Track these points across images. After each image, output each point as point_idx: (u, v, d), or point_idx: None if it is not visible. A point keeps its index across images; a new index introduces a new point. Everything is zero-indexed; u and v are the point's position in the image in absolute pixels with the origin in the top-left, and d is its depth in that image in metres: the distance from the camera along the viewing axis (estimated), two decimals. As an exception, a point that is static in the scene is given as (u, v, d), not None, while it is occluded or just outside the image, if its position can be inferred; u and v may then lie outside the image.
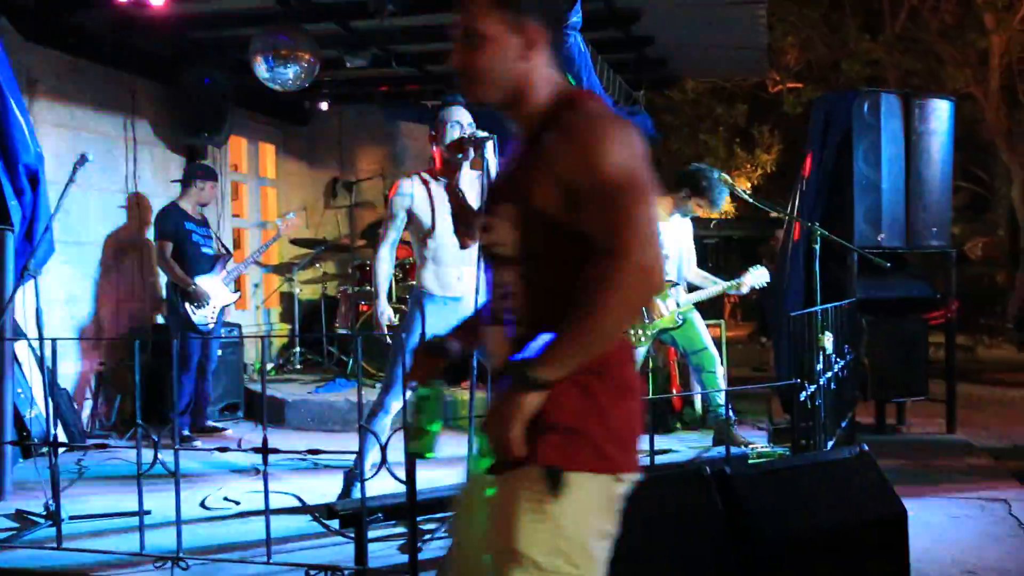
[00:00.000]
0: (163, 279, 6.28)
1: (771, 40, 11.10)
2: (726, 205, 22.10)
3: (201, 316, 5.88)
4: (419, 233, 4.04)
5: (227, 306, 6.15)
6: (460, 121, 4.02)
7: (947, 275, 6.30)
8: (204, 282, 5.92)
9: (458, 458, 4.34)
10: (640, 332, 5.17)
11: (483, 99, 1.75)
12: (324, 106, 8.25)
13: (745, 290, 5.29)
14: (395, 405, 3.94)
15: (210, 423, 6.14)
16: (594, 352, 1.58)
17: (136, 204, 6.71)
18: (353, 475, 3.91)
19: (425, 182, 4.05)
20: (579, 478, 1.60)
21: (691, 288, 5.29)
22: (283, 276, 8.19)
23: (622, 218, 1.59)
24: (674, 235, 5.28)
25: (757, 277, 5.29)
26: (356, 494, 3.45)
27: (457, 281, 3.99)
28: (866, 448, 3.14)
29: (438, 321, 3.91)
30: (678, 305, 5.15)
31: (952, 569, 3.35)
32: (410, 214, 4.02)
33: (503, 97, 1.74)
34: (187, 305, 5.85)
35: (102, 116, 6.47)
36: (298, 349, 7.96)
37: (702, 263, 5.77)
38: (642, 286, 1.59)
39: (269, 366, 7.84)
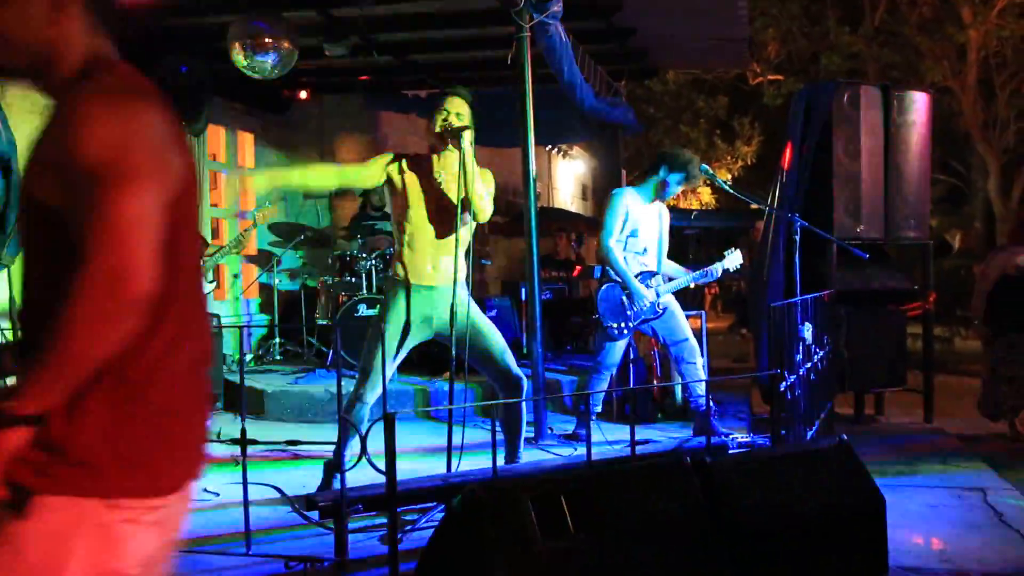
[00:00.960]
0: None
1: (752, 32, 11.14)
2: (707, 196, 22.20)
3: None
4: (395, 215, 3.98)
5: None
6: (449, 110, 3.98)
7: (925, 267, 6.35)
8: None
9: (439, 448, 4.35)
10: (623, 324, 5.18)
11: (4, 65, 1.54)
12: (304, 95, 8.19)
13: (716, 275, 5.29)
14: (373, 395, 3.92)
15: None
16: (75, 376, 1.34)
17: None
18: (332, 465, 3.90)
19: (412, 164, 3.99)
20: (54, 501, 1.38)
21: (667, 278, 5.31)
22: (262, 267, 8.14)
23: (96, 211, 1.34)
24: (653, 222, 5.29)
25: (731, 260, 5.31)
26: (337, 485, 3.43)
27: (430, 270, 3.94)
28: (845, 438, 3.16)
29: (414, 310, 3.90)
30: (658, 295, 5.16)
31: (931, 559, 3.38)
32: (388, 180, 3.95)
33: (27, 64, 1.53)
34: None
35: (77, 103, 6.38)
36: (277, 340, 7.91)
37: (683, 254, 5.79)
38: (110, 295, 1.32)
39: (248, 357, 7.78)
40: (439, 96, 4.11)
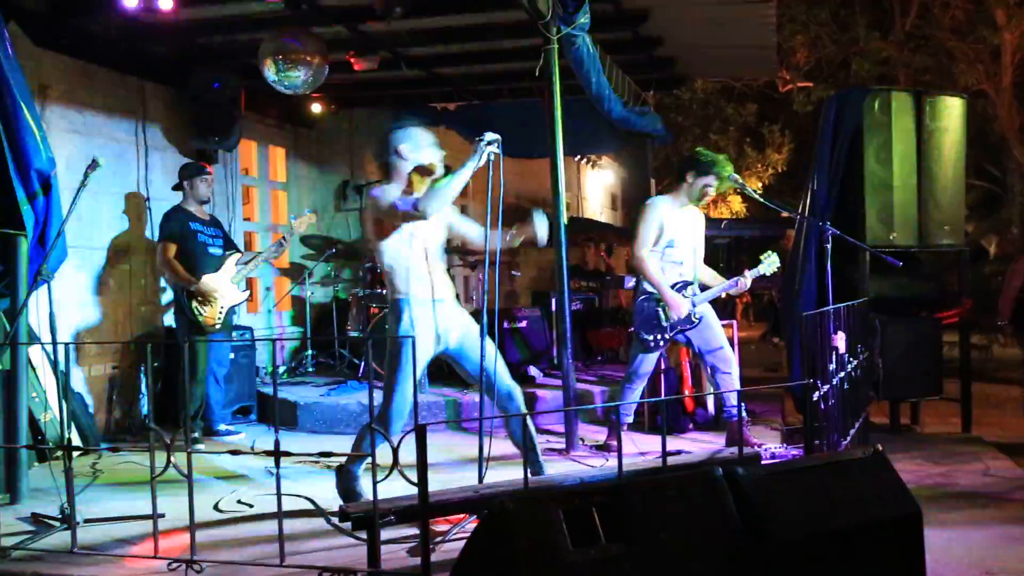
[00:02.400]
0: (168, 282, 6.29)
1: (780, 39, 11.08)
2: (737, 205, 22.05)
3: (207, 315, 5.83)
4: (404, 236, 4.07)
5: (236, 306, 6.08)
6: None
7: (960, 273, 6.26)
8: (210, 280, 5.89)
9: (470, 461, 4.36)
10: (659, 336, 5.15)
11: None
12: (334, 109, 8.27)
13: (746, 284, 5.22)
14: (399, 417, 3.96)
15: (220, 427, 6.10)
16: None
17: (147, 208, 6.74)
18: (345, 469, 4.05)
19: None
20: None
21: (702, 287, 5.27)
22: (294, 279, 8.22)
23: None
24: (690, 230, 5.26)
25: (768, 265, 5.23)
26: (369, 496, 3.44)
27: (437, 285, 4.08)
28: (880, 448, 3.12)
29: (429, 324, 4.00)
30: (694, 305, 5.13)
31: (971, 570, 3.32)
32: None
33: None
34: (193, 305, 5.81)
35: (113, 121, 6.51)
36: (310, 352, 7.97)
37: (713, 263, 5.75)
38: None
39: (281, 369, 7.86)
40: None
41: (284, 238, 6.07)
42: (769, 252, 5.26)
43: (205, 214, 6.11)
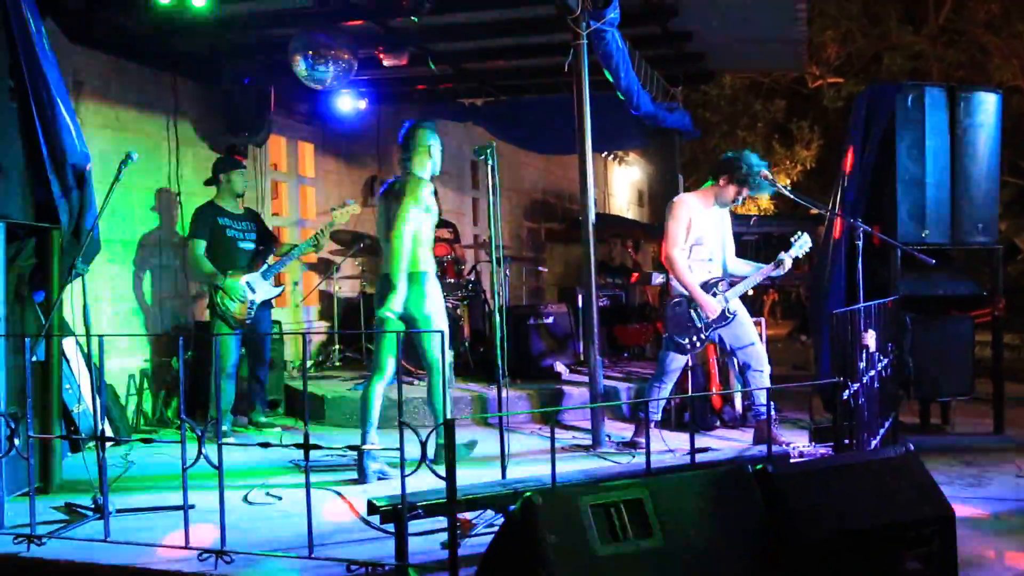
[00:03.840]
0: (196, 279, 6.35)
1: (810, 34, 10.96)
2: (765, 202, 21.91)
3: (236, 310, 5.87)
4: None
5: (267, 301, 6.09)
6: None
7: (994, 272, 6.17)
8: (239, 277, 5.92)
9: (494, 456, 4.37)
10: (695, 338, 5.13)
11: None
12: (362, 105, 8.31)
13: (787, 265, 5.16)
14: None
15: (262, 419, 6.18)
16: None
17: (179, 203, 6.81)
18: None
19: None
20: None
21: (733, 282, 5.24)
22: (322, 274, 8.27)
23: None
24: (717, 227, 5.23)
25: (800, 247, 5.16)
26: (397, 489, 3.46)
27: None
28: (912, 447, 3.09)
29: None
30: (726, 301, 5.10)
31: (1003, 573, 3.28)
32: None
33: None
34: (221, 300, 5.86)
35: (145, 117, 6.59)
36: (337, 346, 8.02)
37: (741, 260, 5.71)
38: None
39: (309, 363, 7.91)
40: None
41: (321, 231, 6.05)
42: (799, 232, 5.20)
43: (239, 208, 6.14)
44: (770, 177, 5.12)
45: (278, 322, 7.11)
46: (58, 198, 4.45)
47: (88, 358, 5.43)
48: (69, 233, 4.56)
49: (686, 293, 5.12)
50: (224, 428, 5.67)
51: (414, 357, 6.98)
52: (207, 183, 6.24)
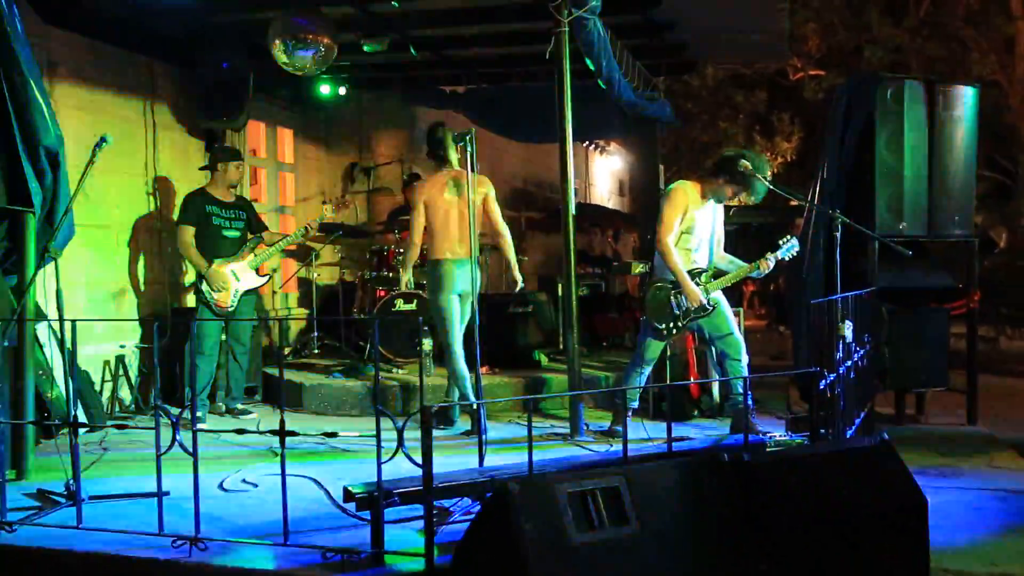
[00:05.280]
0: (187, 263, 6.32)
1: (792, 26, 10.99)
2: (766, 185, 21.96)
3: (219, 298, 5.89)
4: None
5: (252, 290, 6.09)
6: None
7: (969, 264, 6.23)
8: (224, 266, 5.92)
9: (471, 443, 4.38)
10: (672, 325, 5.14)
11: None
12: (342, 91, 8.25)
13: (767, 268, 5.15)
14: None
15: (238, 405, 6.16)
16: None
17: (155, 188, 6.74)
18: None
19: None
20: None
21: (717, 274, 5.25)
22: (301, 261, 8.21)
23: None
24: (708, 219, 5.24)
25: (786, 250, 5.15)
26: (373, 478, 3.45)
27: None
28: (887, 437, 3.12)
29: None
30: (707, 292, 5.11)
31: (974, 562, 3.32)
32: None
33: None
34: (205, 288, 5.88)
35: (122, 99, 6.50)
36: (315, 333, 7.98)
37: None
38: None
39: (287, 350, 7.87)
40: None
41: (308, 226, 6.09)
42: (788, 236, 5.21)
43: (230, 196, 6.10)
44: (768, 179, 5.10)
45: (257, 309, 7.07)
46: (30, 181, 4.38)
47: (62, 343, 5.37)
48: (42, 217, 4.50)
49: (668, 277, 5.13)
50: (199, 414, 5.64)
51: (394, 344, 6.98)
52: (202, 168, 6.21)
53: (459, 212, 5.40)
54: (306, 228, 6.16)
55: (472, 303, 5.31)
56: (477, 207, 5.41)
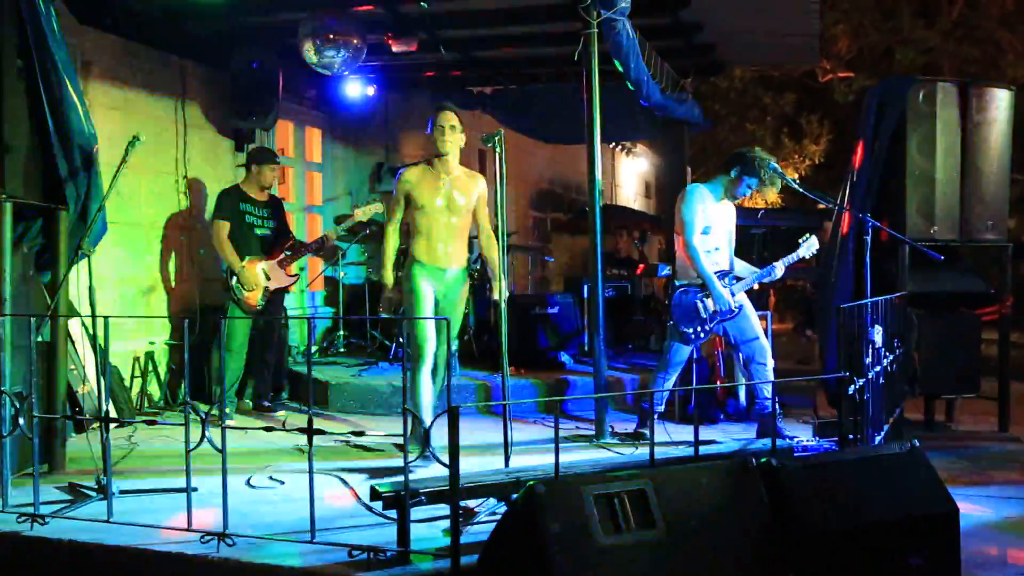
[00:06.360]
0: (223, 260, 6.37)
1: (822, 27, 10.88)
2: (773, 195, 21.79)
3: (248, 297, 5.94)
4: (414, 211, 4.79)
5: (280, 289, 6.14)
6: (443, 125, 4.73)
7: (1002, 270, 6.14)
8: (256, 264, 5.98)
9: (497, 444, 4.37)
10: (700, 329, 5.11)
11: None
12: (371, 91, 8.28)
13: (779, 273, 5.13)
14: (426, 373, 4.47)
15: (266, 403, 6.20)
16: None
17: (186, 186, 6.82)
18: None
19: (424, 169, 4.83)
20: None
21: (736, 278, 5.22)
22: (327, 260, 8.27)
23: None
24: (724, 220, 5.22)
25: (808, 247, 5.13)
26: (400, 477, 3.47)
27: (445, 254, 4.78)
28: (917, 443, 3.08)
29: (428, 286, 4.73)
30: (732, 294, 5.09)
31: (1006, 570, 3.27)
32: (408, 196, 4.83)
33: None
34: (235, 285, 5.93)
35: (153, 99, 6.57)
36: (342, 332, 8.03)
37: (748, 253, 5.69)
38: None
39: (313, 349, 7.91)
40: (435, 109, 4.84)
41: (326, 236, 6.25)
42: (808, 235, 5.17)
43: (263, 195, 6.17)
44: (780, 171, 5.09)
45: (284, 307, 7.12)
46: (65, 179, 4.44)
47: (93, 339, 5.44)
48: (76, 214, 4.56)
49: (696, 281, 5.11)
50: (227, 410, 5.69)
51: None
52: (240, 166, 6.27)
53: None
54: (323, 239, 6.28)
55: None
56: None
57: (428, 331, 4.65)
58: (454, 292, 4.88)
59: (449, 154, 4.77)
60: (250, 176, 6.14)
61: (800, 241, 5.14)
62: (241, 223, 6.01)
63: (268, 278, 6.03)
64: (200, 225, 6.87)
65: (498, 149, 4.54)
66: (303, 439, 3.32)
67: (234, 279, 5.94)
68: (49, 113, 4.37)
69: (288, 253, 6.13)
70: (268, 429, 3.71)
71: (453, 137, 4.73)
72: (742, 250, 5.50)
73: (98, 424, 3.84)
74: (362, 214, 6.15)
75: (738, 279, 5.19)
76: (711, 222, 5.12)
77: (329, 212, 8.76)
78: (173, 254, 6.72)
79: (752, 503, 2.77)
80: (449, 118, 4.76)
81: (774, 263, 5.16)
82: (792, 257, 5.13)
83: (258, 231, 6.07)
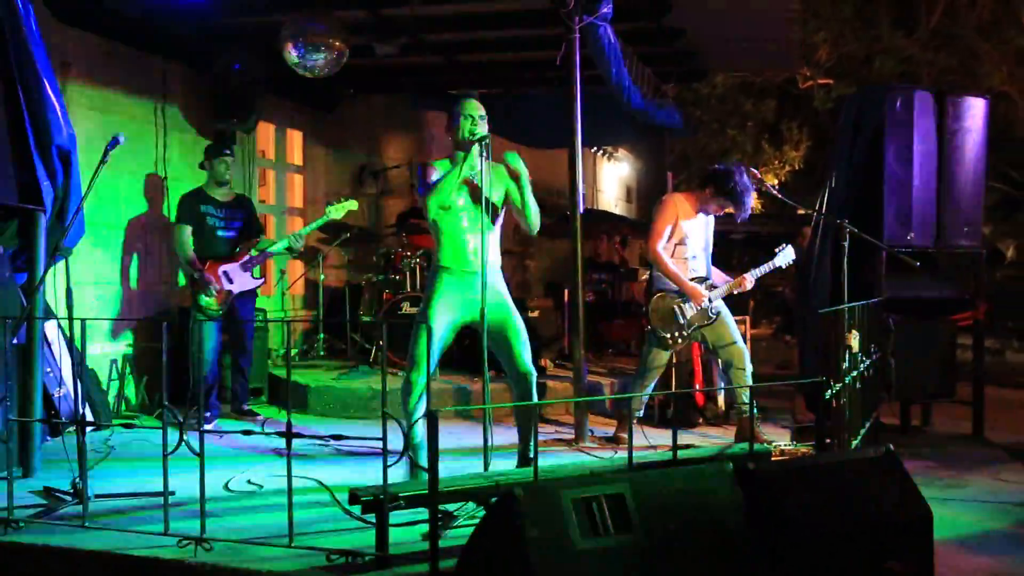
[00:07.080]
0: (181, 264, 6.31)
1: (802, 35, 10.99)
2: (753, 201, 21.94)
3: (208, 302, 5.79)
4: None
5: (245, 292, 5.94)
6: (472, 115, 4.26)
7: (977, 276, 6.22)
8: (215, 268, 5.81)
9: (476, 448, 4.37)
10: (677, 335, 5.14)
11: None
12: (353, 93, 8.28)
13: (748, 285, 5.15)
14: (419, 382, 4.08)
15: (247, 407, 6.12)
16: None
17: (165, 188, 6.77)
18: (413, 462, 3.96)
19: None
20: None
21: (712, 285, 5.25)
22: (308, 263, 8.24)
23: None
24: (701, 230, 5.25)
25: (784, 257, 5.19)
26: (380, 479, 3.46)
27: (473, 256, 4.18)
28: (892, 448, 3.11)
29: (455, 292, 4.14)
30: (710, 300, 5.12)
31: (979, 575, 3.31)
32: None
33: None
34: (194, 289, 5.81)
35: (133, 100, 6.53)
36: (321, 336, 8.00)
37: (728, 259, 5.72)
38: None
39: (293, 352, 7.88)
40: (456, 102, 4.36)
41: (296, 235, 6.01)
42: (784, 244, 5.23)
43: (228, 195, 6.03)
44: (758, 176, 5.13)
45: (262, 310, 7.08)
46: (42, 179, 4.41)
47: (70, 342, 5.39)
48: (53, 215, 4.52)
49: (671, 287, 5.14)
50: (207, 415, 5.64)
51: (400, 347, 6.98)
52: (200, 166, 6.19)
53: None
54: (292, 238, 5.99)
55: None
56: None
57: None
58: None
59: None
60: (209, 175, 6.01)
61: (776, 251, 5.19)
62: (203, 226, 5.85)
63: (231, 281, 5.85)
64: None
65: (484, 153, 4.47)
66: (282, 442, 3.31)
67: (195, 285, 5.77)
68: (26, 113, 4.34)
69: (253, 254, 5.94)
70: (247, 433, 3.69)
71: (484, 126, 4.29)
72: (722, 255, 5.53)
73: (74, 427, 3.81)
74: (335, 211, 6.04)
75: (714, 287, 5.23)
76: (687, 231, 5.16)
77: (310, 214, 8.73)
78: (152, 256, 6.68)
79: (729, 507, 2.79)
80: (478, 107, 4.34)
81: (764, 265, 5.19)
82: (766, 267, 5.19)
83: (220, 233, 5.91)
